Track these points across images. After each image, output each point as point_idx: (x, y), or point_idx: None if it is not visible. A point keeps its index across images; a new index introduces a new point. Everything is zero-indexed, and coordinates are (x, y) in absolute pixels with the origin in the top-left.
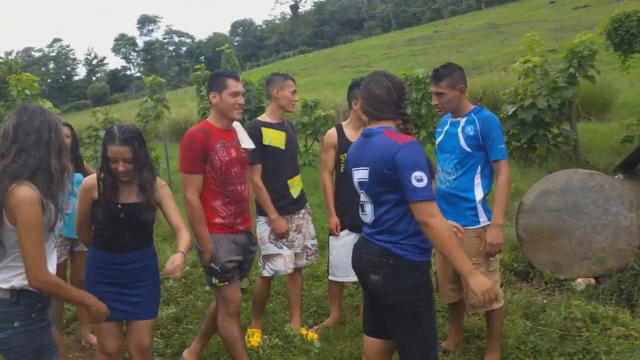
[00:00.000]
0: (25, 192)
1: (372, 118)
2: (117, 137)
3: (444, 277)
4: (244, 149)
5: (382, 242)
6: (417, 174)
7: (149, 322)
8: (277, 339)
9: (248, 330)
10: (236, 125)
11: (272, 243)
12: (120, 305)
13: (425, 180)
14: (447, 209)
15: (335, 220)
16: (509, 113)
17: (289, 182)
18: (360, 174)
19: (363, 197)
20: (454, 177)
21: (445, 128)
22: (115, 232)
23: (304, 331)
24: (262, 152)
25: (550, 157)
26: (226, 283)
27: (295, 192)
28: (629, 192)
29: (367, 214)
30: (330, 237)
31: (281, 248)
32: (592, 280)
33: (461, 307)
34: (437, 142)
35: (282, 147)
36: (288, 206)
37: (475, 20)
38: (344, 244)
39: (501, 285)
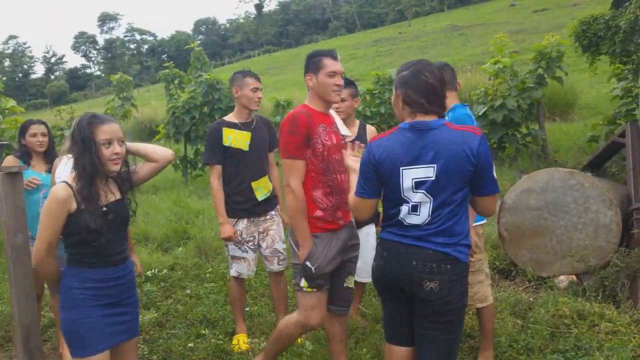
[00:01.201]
0: None
1: (419, 110)
2: (106, 117)
3: None
4: (342, 135)
5: (439, 246)
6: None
7: (137, 340)
8: (266, 342)
9: (234, 338)
10: (332, 112)
11: (236, 246)
12: (118, 328)
13: None
14: None
15: None
16: (480, 113)
17: (254, 184)
18: (418, 173)
19: (419, 198)
20: None
21: None
22: (109, 238)
23: None
24: (223, 153)
25: (520, 156)
26: (315, 290)
27: (260, 195)
28: (606, 190)
29: (421, 215)
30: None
31: (246, 252)
32: (574, 278)
33: None
34: None
35: (245, 148)
36: (253, 209)
37: (438, 22)
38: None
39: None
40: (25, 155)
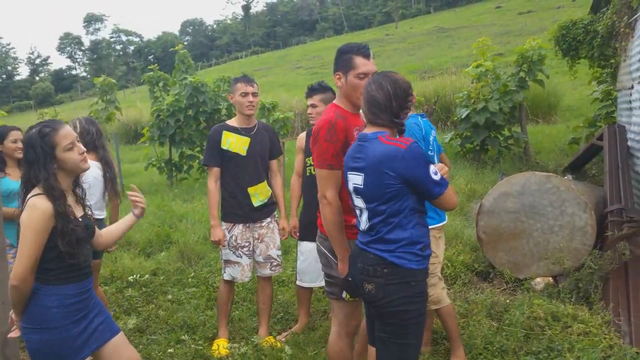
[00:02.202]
0: None
1: (368, 122)
2: (56, 122)
3: None
4: None
5: (377, 251)
6: (432, 169)
7: (122, 335)
8: (246, 347)
9: (214, 343)
10: (361, 112)
11: (231, 250)
12: (94, 334)
13: (438, 172)
14: None
15: (294, 222)
16: (463, 116)
17: (250, 190)
18: (355, 180)
19: (358, 203)
20: None
21: None
22: (86, 252)
23: (271, 339)
24: (221, 156)
25: (502, 158)
26: (356, 298)
27: (256, 201)
28: (582, 193)
29: (362, 221)
30: (298, 242)
31: (240, 257)
32: (550, 279)
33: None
34: None
35: (243, 153)
36: (248, 214)
37: (424, 24)
38: (311, 249)
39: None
40: (1, 162)
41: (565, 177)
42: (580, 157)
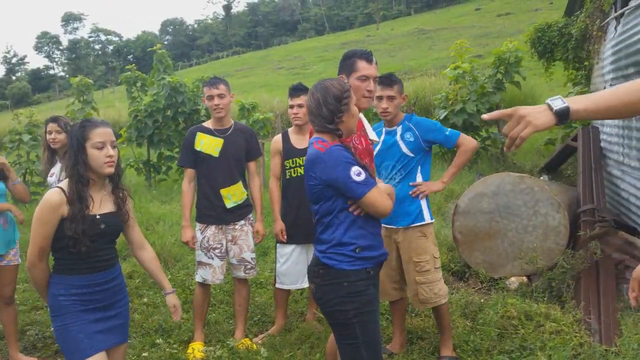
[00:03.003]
0: None
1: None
2: (99, 121)
3: (386, 277)
4: (370, 140)
5: (317, 252)
6: (354, 169)
7: (126, 347)
8: (222, 350)
9: (189, 346)
10: (360, 115)
11: (202, 251)
12: (109, 331)
13: (363, 173)
14: (394, 211)
15: (280, 225)
16: (441, 117)
17: (223, 191)
18: (308, 180)
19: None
20: (397, 180)
21: (382, 138)
22: (95, 247)
23: (247, 341)
24: (195, 157)
25: (479, 159)
26: None
27: (229, 202)
28: (556, 193)
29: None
30: (278, 244)
31: (212, 259)
32: (525, 279)
33: (403, 306)
34: (374, 152)
35: (215, 154)
36: (221, 215)
37: (405, 25)
38: (291, 251)
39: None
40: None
41: (541, 178)
42: (556, 158)
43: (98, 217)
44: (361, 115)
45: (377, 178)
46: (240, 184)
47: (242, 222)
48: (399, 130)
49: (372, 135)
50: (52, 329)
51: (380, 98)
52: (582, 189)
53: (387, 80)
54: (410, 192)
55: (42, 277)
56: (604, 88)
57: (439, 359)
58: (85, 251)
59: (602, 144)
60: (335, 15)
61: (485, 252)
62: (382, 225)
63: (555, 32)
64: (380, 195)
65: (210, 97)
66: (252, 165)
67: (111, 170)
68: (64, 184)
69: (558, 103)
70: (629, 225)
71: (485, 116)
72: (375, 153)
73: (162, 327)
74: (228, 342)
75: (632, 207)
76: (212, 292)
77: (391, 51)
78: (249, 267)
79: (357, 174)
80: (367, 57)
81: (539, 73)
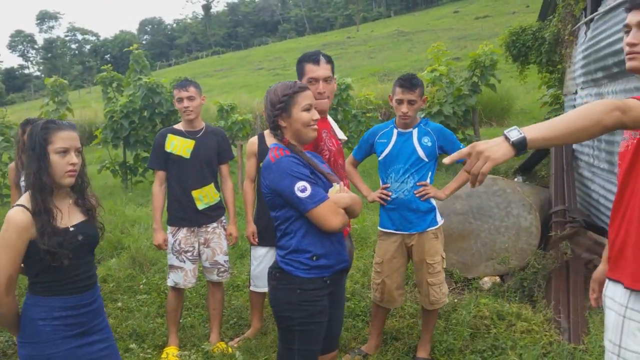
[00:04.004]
0: None
1: None
2: (63, 123)
3: (394, 284)
4: (340, 139)
5: (277, 256)
6: (299, 185)
7: None
8: (196, 355)
9: (163, 351)
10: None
11: (174, 255)
12: (93, 357)
13: (309, 188)
14: (409, 216)
15: (252, 228)
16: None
17: (194, 193)
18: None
19: None
20: (410, 185)
21: (393, 139)
22: (79, 262)
23: (223, 345)
24: (165, 159)
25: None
26: None
27: (201, 204)
28: (528, 195)
29: None
30: (252, 247)
31: (183, 262)
32: (497, 279)
33: (387, 310)
34: (383, 154)
35: (187, 155)
36: (193, 218)
37: (385, 27)
38: (265, 253)
39: (414, 286)
40: None
41: (515, 179)
42: (530, 160)
43: (72, 229)
44: (328, 116)
45: (343, 186)
46: (212, 185)
47: (215, 224)
48: (415, 133)
49: (340, 134)
50: (20, 355)
51: (400, 102)
52: (554, 191)
53: (408, 83)
54: (415, 192)
55: (12, 313)
56: (576, 92)
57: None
58: (69, 267)
59: (574, 146)
60: (315, 17)
61: (459, 253)
62: (395, 232)
63: (529, 36)
64: (329, 211)
65: (180, 100)
66: (224, 168)
67: (71, 181)
68: (24, 199)
69: (514, 134)
70: (598, 226)
71: (446, 160)
72: (384, 154)
73: (136, 332)
74: (203, 346)
75: (602, 208)
76: (187, 296)
77: (371, 52)
78: (222, 270)
79: (301, 189)
80: (314, 59)
81: (514, 76)
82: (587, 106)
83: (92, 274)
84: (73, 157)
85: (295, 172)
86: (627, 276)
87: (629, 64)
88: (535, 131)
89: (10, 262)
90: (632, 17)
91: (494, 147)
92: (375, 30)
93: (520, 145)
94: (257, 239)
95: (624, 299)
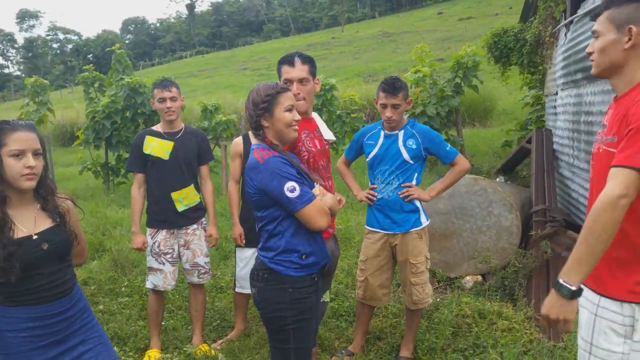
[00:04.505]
0: None
1: None
2: (19, 124)
3: (377, 282)
4: (326, 140)
5: (262, 257)
6: (289, 185)
7: None
8: (179, 357)
9: (145, 354)
10: (315, 115)
11: (153, 257)
12: None
13: (298, 188)
14: (394, 217)
15: (239, 230)
16: None
17: (174, 195)
18: (249, 187)
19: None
20: (394, 186)
21: (380, 141)
22: (44, 272)
23: (205, 347)
24: (144, 161)
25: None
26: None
27: (180, 206)
28: (509, 194)
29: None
30: (237, 248)
31: (163, 264)
32: (479, 278)
33: (372, 310)
34: (370, 155)
35: (165, 157)
36: (172, 219)
37: (369, 28)
38: (250, 255)
39: (397, 286)
40: None
41: (497, 179)
42: (512, 159)
43: (35, 237)
44: (316, 115)
45: (320, 187)
46: (192, 186)
47: (195, 226)
48: (400, 135)
49: (327, 135)
50: None
51: (384, 106)
52: (535, 190)
53: (391, 87)
54: (400, 192)
55: None
56: (556, 93)
57: (396, 359)
58: (34, 277)
59: (555, 146)
60: (300, 17)
61: (441, 252)
62: (379, 230)
63: (511, 38)
64: (317, 211)
65: (163, 100)
66: (204, 169)
67: (31, 184)
68: None
69: (567, 291)
70: (578, 225)
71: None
72: (371, 156)
73: (118, 335)
74: (185, 349)
75: (581, 207)
76: (170, 298)
77: (356, 53)
78: (202, 271)
79: (290, 190)
80: (289, 61)
81: (497, 77)
82: (595, 222)
83: (64, 281)
84: (30, 160)
85: (285, 173)
86: (592, 280)
87: (592, 71)
88: (578, 277)
89: None
90: (594, 26)
91: (562, 309)
92: (360, 31)
93: (578, 294)
94: (244, 241)
95: (595, 298)
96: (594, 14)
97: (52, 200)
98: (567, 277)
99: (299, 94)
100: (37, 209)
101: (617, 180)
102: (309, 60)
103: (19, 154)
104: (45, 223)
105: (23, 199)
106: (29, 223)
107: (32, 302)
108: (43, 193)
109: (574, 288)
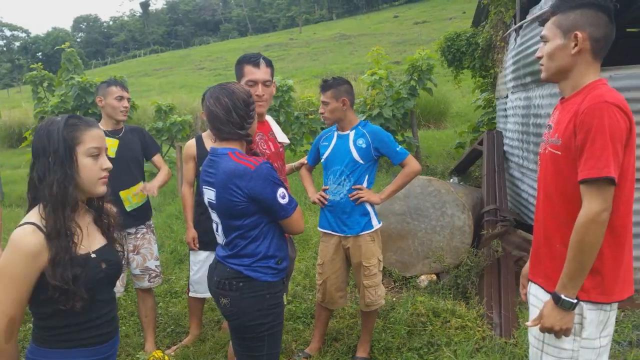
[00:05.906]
0: None
1: (215, 137)
2: (91, 120)
3: (333, 286)
4: (280, 143)
5: (234, 265)
6: (280, 191)
7: None
8: None
9: None
10: (268, 118)
11: None
12: None
13: (287, 195)
14: (345, 219)
15: (192, 233)
16: None
17: (122, 193)
18: (209, 194)
19: (214, 217)
20: (346, 187)
21: (334, 141)
22: (102, 300)
23: (159, 354)
24: None
25: None
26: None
27: (129, 205)
28: (462, 195)
29: (219, 234)
30: (191, 252)
31: None
32: (434, 277)
33: (330, 312)
34: (324, 156)
35: (112, 155)
36: (122, 221)
37: (327, 30)
38: (204, 259)
39: (354, 287)
40: None
41: (451, 179)
42: (465, 161)
43: (93, 255)
44: (269, 118)
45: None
46: (141, 183)
47: (144, 229)
48: (351, 135)
49: (281, 137)
50: None
51: (322, 103)
52: (486, 191)
53: (322, 84)
54: (350, 195)
55: (14, 352)
56: (507, 96)
57: (353, 359)
58: (90, 307)
59: (505, 148)
60: (258, 17)
61: (397, 252)
62: (332, 233)
63: (463, 42)
64: (300, 216)
65: (121, 98)
66: (156, 159)
67: (104, 189)
68: (34, 215)
69: (568, 304)
70: (528, 224)
71: (528, 324)
72: (325, 156)
73: None
74: (138, 356)
75: (531, 207)
76: (121, 304)
77: (314, 55)
78: (153, 275)
79: (282, 196)
80: (255, 61)
81: (450, 80)
82: (581, 241)
83: (115, 314)
84: (107, 161)
85: (276, 179)
86: (543, 280)
87: (541, 75)
88: (575, 290)
89: (12, 300)
90: (543, 31)
91: (564, 320)
92: (318, 32)
93: (577, 303)
94: (197, 244)
95: (545, 296)
96: (542, 20)
97: (105, 212)
98: (566, 291)
99: (263, 95)
100: (89, 222)
101: (592, 197)
102: (271, 64)
103: (98, 154)
104: (98, 240)
105: (82, 208)
106: (83, 237)
107: (90, 341)
108: (98, 203)
109: (575, 301)
